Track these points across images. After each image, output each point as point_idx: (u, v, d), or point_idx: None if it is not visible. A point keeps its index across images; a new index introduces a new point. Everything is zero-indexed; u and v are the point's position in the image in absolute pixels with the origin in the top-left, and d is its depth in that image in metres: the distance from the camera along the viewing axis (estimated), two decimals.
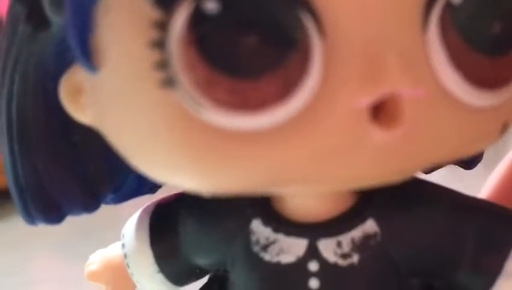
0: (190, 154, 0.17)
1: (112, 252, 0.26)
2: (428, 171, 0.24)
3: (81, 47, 0.18)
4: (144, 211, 0.25)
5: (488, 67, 0.18)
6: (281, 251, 0.21)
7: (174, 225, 0.23)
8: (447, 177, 0.28)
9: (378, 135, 0.17)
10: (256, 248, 0.22)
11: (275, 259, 0.21)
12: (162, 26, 0.16)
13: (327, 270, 0.21)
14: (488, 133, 0.19)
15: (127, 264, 0.25)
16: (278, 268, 0.21)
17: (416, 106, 0.17)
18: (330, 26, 0.17)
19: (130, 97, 0.18)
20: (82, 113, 0.20)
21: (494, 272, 0.21)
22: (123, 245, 0.25)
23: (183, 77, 0.16)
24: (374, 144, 0.17)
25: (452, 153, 0.19)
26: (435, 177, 0.24)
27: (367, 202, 0.21)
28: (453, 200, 0.22)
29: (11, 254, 0.71)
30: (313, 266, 0.21)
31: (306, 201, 0.21)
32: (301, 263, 0.21)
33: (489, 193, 0.29)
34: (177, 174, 0.18)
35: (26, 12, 0.20)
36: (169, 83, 0.17)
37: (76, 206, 0.22)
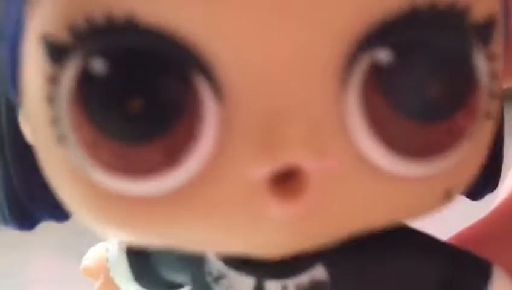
0: (90, 213, 0.17)
1: (104, 249, 0.27)
2: None
3: (10, 79, 0.18)
4: None
5: (420, 135, 0.16)
6: (229, 286, 0.21)
7: None
8: None
9: (276, 207, 0.16)
10: (208, 278, 0.21)
11: None
12: (54, 81, 0.16)
13: None
14: (425, 201, 0.17)
15: (109, 268, 0.25)
16: None
17: (324, 177, 0.16)
18: (228, 90, 0.15)
19: (39, 143, 0.18)
20: (28, 137, 0.20)
21: None
22: (107, 249, 0.26)
23: (71, 135, 0.16)
24: (273, 217, 0.16)
25: (378, 220, 0.17)
26: None
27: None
28: (415, 244, 0.21)
29: (10, 254, 0.72)
30: None
31: None
32: None
33: (507, 197, 0.27)
34: (93, 226, 0.18)
35: None
36: (61, 139, 0.16)
37: (47, 214, 0.23)
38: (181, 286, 0.24)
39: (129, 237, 0.17)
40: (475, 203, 0.24)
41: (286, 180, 0.16)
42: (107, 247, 0.26)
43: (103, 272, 0.27)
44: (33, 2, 0.17)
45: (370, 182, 0.16)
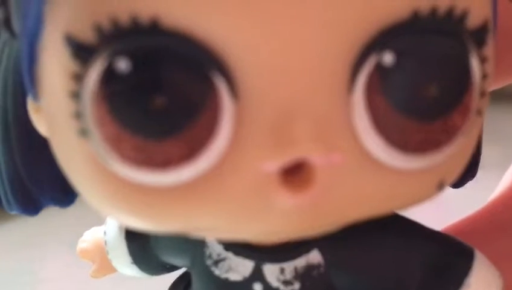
0: (108, 201, 0.18)
1: (102, 232, 0.28)
2: None
3: (27, 73, 0.19)
4: None
5: (418, 132, 0.17)
6: (229, 269, 0.22)
7: None
8: None
9: (286, 198, 0.17)
10: (208, 262, 0.22)
11: (223, 275, 0.22)
12: (78, 78, 0.17)
13: None
14: (420, 191, 0.19)
15: (107, 251, 0.26)
16: (226, 284, 0.22)
17: (330, 170, 0.17)
18: (243, 89, 0.16)
19: (58, 135, 0.18)
20: (40, 127, 0.21)
21: None
22: (105, 232, 0.26)
23: (94, 129, 0.17)
24: (282, 206, 0.17)
25: (378, 210, 0.19)
26: None
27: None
28: (404, 230, 0.22)
29: (22, 252, 0.72)
30: (258, 287, 0.22)
31: None
32: (247, 283, 0.22)
33: (504, 190, 0.29)
34: (108, 213, 0.19)
35: (4, 19, 0.21)
36: (84, 133, 0.17)
37: (51, 199, 0.24)
38: (179, 267, 0.25)
39: (146, 225, 0.18)
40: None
41: (295, 173, 0.17)
42: (105, 230, 0.27)
43: (100, 254, 0.28)
44: (54, 1, 0.17)
45: (372, 175, 0.18)
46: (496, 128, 0.99)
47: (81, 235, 0.29)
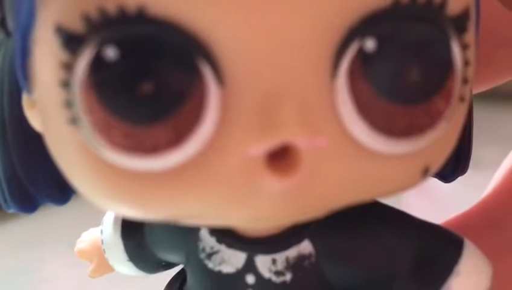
0: (99, 188, 0.18)
1: (99, 232, 0.28)
2: None
3: (20, 68, 0.19)
4: None
5: (402, 116, 0.18)
6: (222, 261, 0.22)
7: (141, 224, 0.25)
8: None
9: (272, 182, 0.17)
10: (202, 255, 0.23)
11: (217, 268, 0.22)
12: (68, 67, 0.17)
13: (262, 285, 0.22)
14: (405, 177, 0.19)
15: (104, 250, 0.27)
16: (219, 277, 0.22)
17: (315, 154, 0.17)
18: (229, 75, 0.17)
19: (50, 126, 0.19)
20: (34, 123, 0.21)
21: None
22: (101, 231, 0.27)
23: (84, 117, 0.17)
24: (269, 190, 0.18)
25: (364, 195, 0.19)
26: None
27: (305, 222, 0.22)
28: (394, 220, 0.22)
29: (23, 252, 0.72)
30: (250, 279, 0.22)
31: None
32: (240, 274, 0.22)
33: (496, 187, 0.29)
34: (100, 202, 0.19)
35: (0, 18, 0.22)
36: (74, 121, 0.18)
37: (47, 197, 0.24)
38: (175, 264, 0.26)
39: (135, 212, 0.19)
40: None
41: (281, 157, 0.17)
42: (101, 229, 0.27)
43: (97, 254, 0.28)
44: None
45: (356, 159, 0.18)
46: (494, 127, 0.99)
47: (80, 235, 0.29)
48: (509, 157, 0.29)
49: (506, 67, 0.29)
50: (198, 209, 0.18)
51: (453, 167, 0.25)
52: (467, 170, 0.26)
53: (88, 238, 0.29)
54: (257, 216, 0.19)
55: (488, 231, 0.28)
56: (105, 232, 0.27)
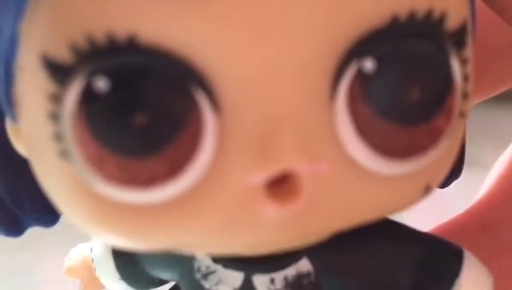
0: (92, 221, 0.18)
1: (88, 249, 0.28)
2: None
3: (3, 95, 0.19)
4: None
5: (403, 137, 0.17)
6: (219, 281, 0.22)
7: None
8: None
9: (273, 210, 0.17)
10: (197, 275, 0.22)
11: (214, 288, 0.22)
12: (57, 99, 0.16)
13: None
14: (407, 196, 0.19)
15: (94, 268, 0.26)
16: None
17: (316, 180, 0.17)
18: (225, 102, 0.16)
19: (38, 157, 0.18)
20: (20, 148, 0.20)
21: None
22: (91, 249, 0.26)
23: (75, 150, 0.17)
24: (269, 218, 0.17)
25: (366, 217, 0.19)
26: None
27: None
28: (394, 233, 0.22)
29: (23, 253, 0.71)
30: None
31: None
32: None
33: (490, 189, 0.29)
34: (93, 234, 0.19)
35: None
36: (64, 154, 0.17)
37: (35, 220, 0.23)
38: (167, 282, 0.25)
39: (132, 244, 0.18)
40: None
41: (281, 184, 0.17)
42: (91, 247, 0.26)
43: (87, 272, 0.27)
44: (29, 20, 0.17)
45: (358, 182, 0.17)
46: (492, 128, 1.00)
47: (79, 237, 0.28)
48: (501, 159, 0.29)
49: (500, 79, 0.28)
50: (196, 239, 0.18)
51: (448, 173, 0.24)
52: (460, 174, 0.25)
53: (77, 255, 0.28)
54: (256, 244, 0.18)
55: (482, 234, 0.27)
56: (95, 250, 0.26)
